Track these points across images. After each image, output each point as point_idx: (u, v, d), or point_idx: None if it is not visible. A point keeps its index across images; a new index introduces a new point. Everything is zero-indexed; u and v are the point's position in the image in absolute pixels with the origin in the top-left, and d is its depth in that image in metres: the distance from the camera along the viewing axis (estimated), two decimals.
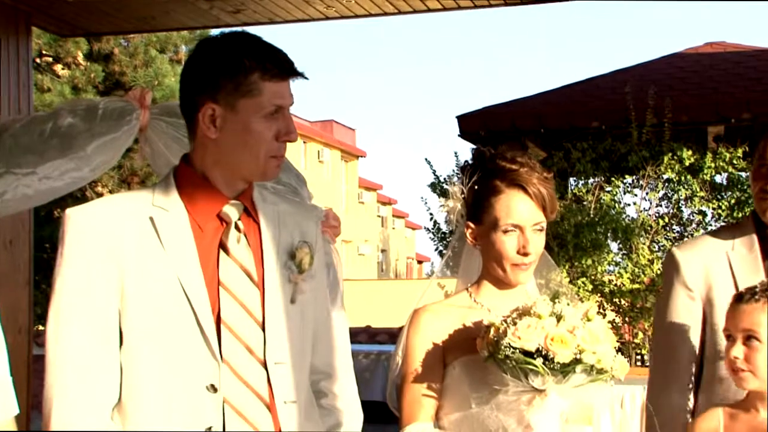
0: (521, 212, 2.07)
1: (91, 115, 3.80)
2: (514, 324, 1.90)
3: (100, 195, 12.69)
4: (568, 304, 1.93)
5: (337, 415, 2.16)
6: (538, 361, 1.86)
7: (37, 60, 14.04)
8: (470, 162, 2.20)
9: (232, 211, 1.95)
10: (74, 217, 1.90)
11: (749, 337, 2.13)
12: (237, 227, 1.95)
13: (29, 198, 3.82)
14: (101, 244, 1.87)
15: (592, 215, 7.52)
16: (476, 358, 2.00)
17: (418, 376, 2.08)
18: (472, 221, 2.16)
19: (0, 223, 4.61)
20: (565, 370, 1.86)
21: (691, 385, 2.46)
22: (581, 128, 7.74)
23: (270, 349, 1.92)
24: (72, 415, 1.83)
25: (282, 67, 1.91)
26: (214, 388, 1.87)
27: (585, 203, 7.73)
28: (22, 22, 5.42)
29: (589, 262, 7.43)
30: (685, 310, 2.47)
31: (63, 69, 14.27)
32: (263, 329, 1.92)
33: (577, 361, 1.86)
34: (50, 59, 14.49)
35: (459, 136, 7.90)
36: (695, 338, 2.47)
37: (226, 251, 1.93)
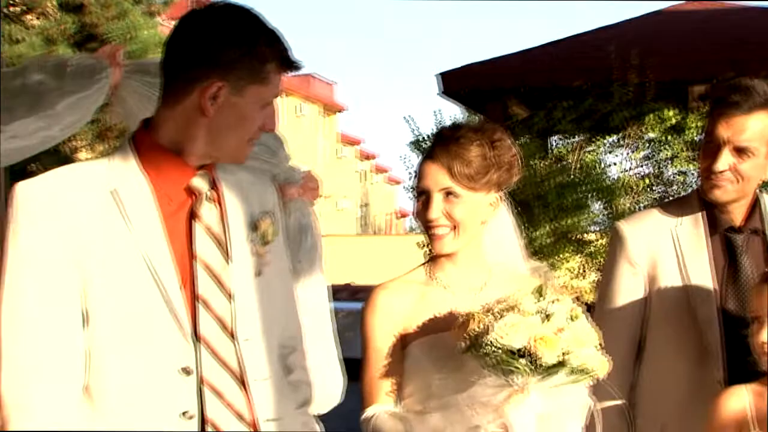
0: (425, 176, 2.06)
1: (60, 72, 3.67)
2: (496, 319, 1.83)
3: (75, 149, 12.48)
4: (553, 301, 1.87)
5: (304, 391, 2.08)
6: (522, 362, 1.80)
7: (6, 10, 13.68)
8: None
9: (200, 182, 1.86)
10: (25, 192, 1.78)
11: None
12: (208, 198, 1.86)
13: None
14: (57, 220, 1.75)
15: (574, 175, 7.47)
16: (437, 338, 1.98)
17: (377, 357, 2.05)
18: None
19: None
20: (549, 371, 1.82)
21: (628, 362, 2.44)
22: (564, 87, 7.64)
23: (239, 324, 1.85)
24: (35, 404, 1.72)
25: (292, 63, 1.88)
26: (186, 371, 1.78)
27: (567, 163, 7.68)
28: None
29: (571, 222, 7.40)
30: (628, 286, 2.44)
31: (34, 19, 13.92)
32: (231, 302, 1.85)
33: (561, 364, 1.82)
34: (20, 9, 14.13)
35: (440, 94, 7.77)
36: (637, 314, 2.44)
37: (200, 223, 1.84)
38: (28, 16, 13.88)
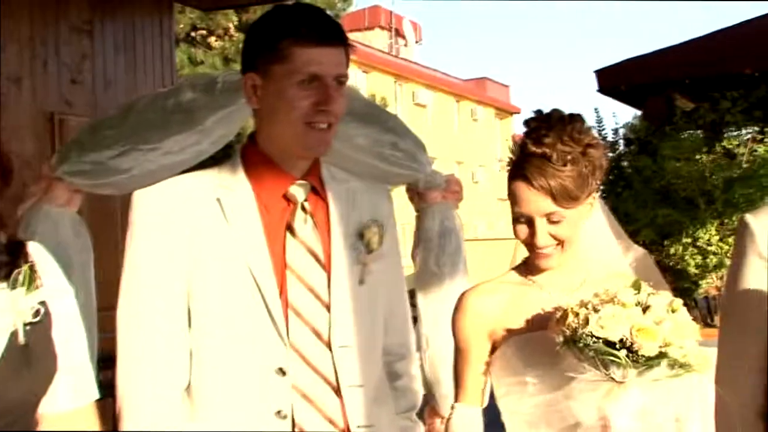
0: (524, 202, 1.95)
1: (210, 89, 3.88)
2: (596, 311, 1.80)
3: None
4: (650, 294, 1.82)
5: (411, 397, 2.12)
6: (622, 353, 1.76)
7: (192, 34, 14.53)
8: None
9: (298, 191, 1.92)
10: (142, 199, 1.92)
11: None
12: (303, 208, 1.92)
13: (153, 173, 3.93)
14: (169, 226, 1.87)
15: (744, 169, 7.06)
16: (531, 337, 1.94)
17: (463, 358, 2.04)
18: None
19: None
20: (649, 363, 1.77)
21: (762, 362, 2.27)
22: (732, 76, 7.24)
23: (335, 332, 1.89)
24: (144, 399, 1.85)
25: (316, 33, 1.84)
26: (282, 372, 1.85)
27: (737, 156, 7.27)
28: None
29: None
30: (759, 281, 2.27)
31: (216, 41, 14.74)
32: (329, 312, 1.89)
33: (662, 355, 1.76)
34: (204, 32, 14.98)
35: (598, 91, 7.57)
36: None
37: (293, 233, 1.90)
38: (212, 38, 14.71)
